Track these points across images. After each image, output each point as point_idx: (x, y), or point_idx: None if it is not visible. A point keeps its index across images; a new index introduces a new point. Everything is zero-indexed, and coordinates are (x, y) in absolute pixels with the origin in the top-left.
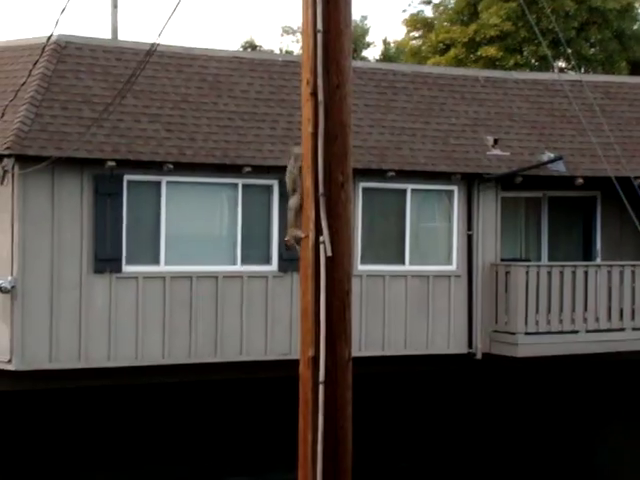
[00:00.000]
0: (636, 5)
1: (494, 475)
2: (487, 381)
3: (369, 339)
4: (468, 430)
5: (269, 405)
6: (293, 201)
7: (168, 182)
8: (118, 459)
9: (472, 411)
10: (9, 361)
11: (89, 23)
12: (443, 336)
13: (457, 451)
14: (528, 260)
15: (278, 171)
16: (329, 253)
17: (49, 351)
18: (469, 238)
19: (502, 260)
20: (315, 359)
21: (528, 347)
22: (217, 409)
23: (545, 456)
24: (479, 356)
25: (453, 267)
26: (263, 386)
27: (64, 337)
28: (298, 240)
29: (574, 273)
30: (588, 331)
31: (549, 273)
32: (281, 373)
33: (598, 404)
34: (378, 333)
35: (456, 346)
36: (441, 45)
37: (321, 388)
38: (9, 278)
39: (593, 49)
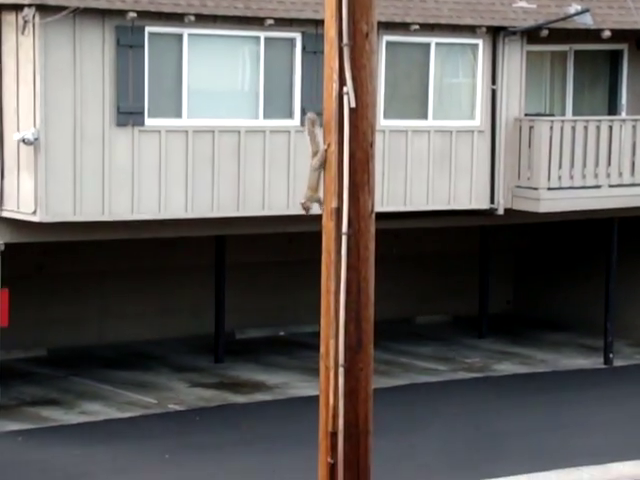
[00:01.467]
0: None
1: (509, 330)
2: (508, 235)
3: (391, 194)
4: (485, 283)
5: (290, 258)
6: (314, 161)
7: (190, 34)
8: (134, 312)
9: (491, 264)
10: (34, 212)
11: None
12: (465, 191)
13: (475, 305)
14: (552, 115)
15: (301, 24)
16: (353, 104)
17: (73, 203)
18: (493, 93)
19: (526, 115)
20: (338, 210)
21: (550, 202)
22: (239, 263)
23: (566, 307)
24: (501, 211)
25: (476, 122)
26: (284, 240)
27: (88, 189)
28: (317, 202)
29: (598, 128)
30: (611, 186)
31: (573, 128)
32: (302, 227)
33: (619, 257)
34: (400, 188)
35: (478, 201)
36: None
37: (344, 239)
38: (32, 130)
39: None
